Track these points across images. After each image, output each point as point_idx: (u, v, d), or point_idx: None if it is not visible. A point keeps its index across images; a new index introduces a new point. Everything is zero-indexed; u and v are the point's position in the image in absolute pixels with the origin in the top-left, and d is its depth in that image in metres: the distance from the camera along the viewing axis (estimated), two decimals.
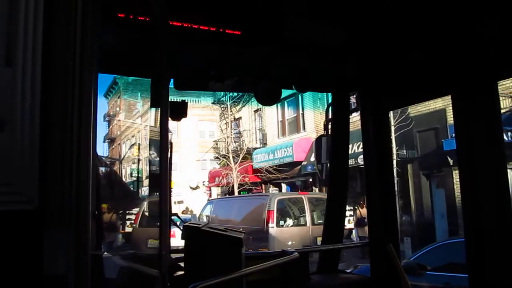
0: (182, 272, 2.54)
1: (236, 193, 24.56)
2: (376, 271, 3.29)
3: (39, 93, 0.83)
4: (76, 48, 0.89)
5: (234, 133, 27.98)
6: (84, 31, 0.90)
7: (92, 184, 0.90)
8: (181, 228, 2.70)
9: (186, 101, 2.77)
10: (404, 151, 15.69)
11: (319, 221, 12.85)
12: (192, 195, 34.48)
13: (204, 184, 33.74)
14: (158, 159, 1.97)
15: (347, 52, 2.96)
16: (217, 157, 29.36)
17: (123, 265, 2.35)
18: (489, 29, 2.39)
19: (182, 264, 2.57)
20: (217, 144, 29.96)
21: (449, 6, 2.48)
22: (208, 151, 31.26)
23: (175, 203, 31.76)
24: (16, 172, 0.81)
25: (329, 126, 3.56)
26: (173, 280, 2.48)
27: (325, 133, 3.54)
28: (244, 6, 2.59)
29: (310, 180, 21.09)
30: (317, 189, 19.37)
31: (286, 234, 13.02)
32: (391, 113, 14.55)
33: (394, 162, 14.98)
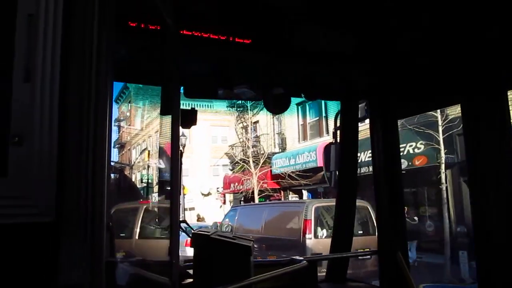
0: (191, 280, 2.55)
1: (256, 200, 23.46)
2: (385, 280, 3.28)
3: (57, 107, 0.85)
4: (93, 61, 0.91)
5: (252, 137, 26.79)
6: (100, 46, 0.92)
7: (107, 195, 0.92)
8: (190, 235, 2.71)
9: (196, 108, 2.79)
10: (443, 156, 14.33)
11: (359, 232, 11.11)
12: (203, 201, 33.46)
13: (218, 191, 32.70)
14: (168, 166, 1.98)
15: (356, 61, 2.96)
16: (236, 162, 27.88)
17: (133, 273, 2.37)
18: (501, 37, 2.39)
19: (191, 272, 2.58)
20: (233, 149, 28.87)
21: (460, 14, 2.48)
22: (223, 157, 30.45)
23: (186, 209, 30.69)
24: (34, 185, 0.83)
25: (338, 134, 3.57)
26: (182, 287, 2.49)
27: (333, 141, 3.55)
28: (254, 15, 2.61)
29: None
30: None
31: (325, 246, 10.40)
32: (438, 112, 13.33)
33: (443, 166, 13.84)
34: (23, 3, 0.85)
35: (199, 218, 29.21)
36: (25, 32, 0.85)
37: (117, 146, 43.29)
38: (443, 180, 14.10)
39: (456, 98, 2.77)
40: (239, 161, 26.61)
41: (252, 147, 26.10)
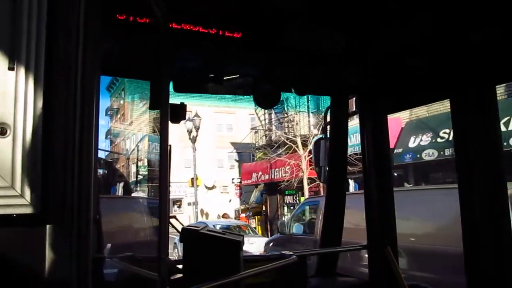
0: (181, 275, 2.54)
1: (306, 193, 19.56)
2: (374, 275, 3.29)
3: (41, 97, 0.83)
4: (79, 51, 0.89)
5: (277, 118, 23.17)
6: (86, 35, 0.90)
7: (94, 188, 0.90)
8: (179, 231, 2.69)
9: (185, 103, 2.78)
10: None
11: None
12: (207, 195, 30.28)
13: (233, 182, 29.45)
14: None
15: (346, 57, 2.96)
16: (277, 146, 23.33)
17: (122, 268, 2.35)
18: (488, 34, 2.40)
19: (180, 267, 2.57)
20: (256, 132, 25.78)
21: (448, 12, 2.49)
22: (235, 145, 27.65)
23: (190, 204, 28.37)
24: (19, 176, 0.81)
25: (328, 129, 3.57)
26: (171, 283, 2.48)
27: (323, 136, 3.55)
28: (245, 9, 2.60)
29: (400, 173, 14.51)
30: (410, 186, 13.66)
31: None
32: None
33: None
34: None
35: (225, 215, 26.19)
36: (9, 20, 0.83)
37: (109, 137, 41.79)
38: None
39: (445, 93, 2.78)
40: (286, 141, 22.04)
41: (284, 128, 22.40)
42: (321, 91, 3.97)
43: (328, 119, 3.58)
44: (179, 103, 2.74)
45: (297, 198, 22.87)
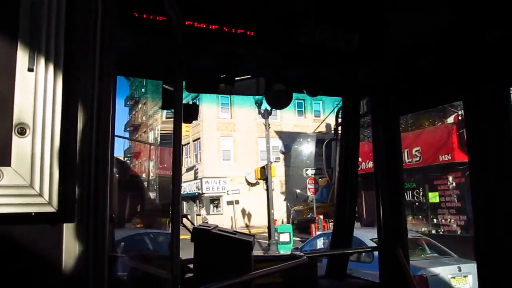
0: (191, 274, 2.55)
1: None
2: (385, 276, 3.28)
3: (60, 97, 0.85)
4: (96, 51, 0.90)
5: None
6: (103, 36, 0.91)
7: (110, 187, 0.92)
8: (190, 230, 2.70)
9: (197, 104, 2.79)
10: None
11: None
12: (249, 193, 24.98)
13: (307, 174, 20.96)
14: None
15: (358, 58, 2.96)
16: None
17: (134, 267, 2.37)
18: (501, 34, 2.38)
19: (191, 266, 2.59)
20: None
21: (461, 12, 2.47)
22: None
23: (231, 203, 23.79)
24: (38, 176, 0.83)
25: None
26: (182, 282, 2.49)
27: (335, 137, 3.55)
28: (258, 8, 2.60)
29: None
30: None
31: None
32: None
33: None
34: None
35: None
36: (28, 21, 0.84)
37: (128, 129, 40.51)
38: None
39: (458, 94, 2.77)
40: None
41: None
42: (333, 92, 3.96)
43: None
44: (191, 103, 2.76)
45: (423, 194, 15.12)
